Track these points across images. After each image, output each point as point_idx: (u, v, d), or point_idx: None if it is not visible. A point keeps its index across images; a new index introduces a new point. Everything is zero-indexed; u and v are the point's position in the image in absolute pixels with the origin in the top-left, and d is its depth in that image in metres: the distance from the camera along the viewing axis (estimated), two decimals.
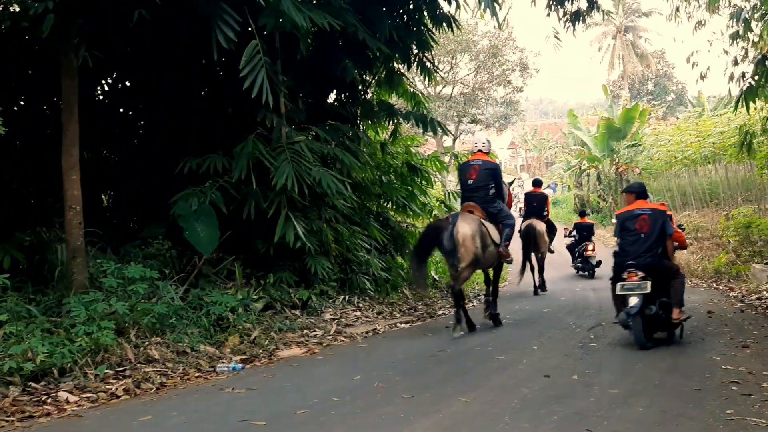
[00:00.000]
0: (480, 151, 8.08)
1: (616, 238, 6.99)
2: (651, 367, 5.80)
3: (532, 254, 12.17)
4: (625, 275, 6.50)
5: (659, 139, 23.86)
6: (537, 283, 12.23)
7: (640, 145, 25.64)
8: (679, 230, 7.73)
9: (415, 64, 11.10)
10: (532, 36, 30.98)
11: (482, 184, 7.73)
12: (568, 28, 11.62)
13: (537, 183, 13.35)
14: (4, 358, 4.94)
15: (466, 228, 7.26)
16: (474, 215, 7.53)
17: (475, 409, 4.45)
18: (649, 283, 6.37)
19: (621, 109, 28.66)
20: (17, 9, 8.07)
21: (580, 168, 29.46)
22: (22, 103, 8.72)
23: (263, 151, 7.96)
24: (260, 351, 6.43)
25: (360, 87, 10.96)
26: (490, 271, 8.37)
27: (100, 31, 7.26)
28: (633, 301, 6.38)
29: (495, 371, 5.67)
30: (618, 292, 6.56)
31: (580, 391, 4.90)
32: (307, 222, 8.44)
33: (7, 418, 4.29)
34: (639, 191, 6.99)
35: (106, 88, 9.81)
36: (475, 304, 10.53)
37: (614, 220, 21.72)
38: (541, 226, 12.09)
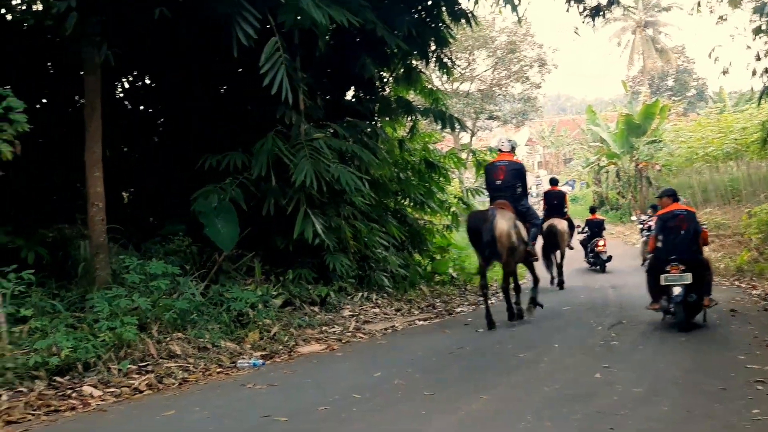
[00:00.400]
0: (501, 151, 8.29)
1: (657, 236, 7.69)
2: (674, 365, 5.74)
3: (554, 252, 12.19)
4: (668, 268, 7.32)
5: (680, 136, 23.55)
6: (557, 281, 12.24)
7: (660, 141, 25.35)
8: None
9: (433, 61, 11.08)
10: (551, 31, 30.79)
11: (510, 183, 7.97)
12: (587, 23, 11.52)
13: (554, 182, 13.53)
14: (29, 353, 5.00)
15: (504, 223, 7.50)
16: (508, 212, 7.69)
17: (497, 407, 4.43)
18: (690, 275, 7.21)
19: (641, 105, 28.35)
20: (40, 8, 8.19)
21: (598, 165, 29.21)
22: (44, 100, 8.83)
23: (282, 148, 7.99)
24: (280, 347, 6.46)
25: (378, 84, 10.95)
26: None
27: (120, 29, 7.32)
28: (677, 290, 7.23)
29: (515, 369, 5.64)
30: (663, 283, 7.36)
31: (603, 390, 4.85)
32: (326, 219, 8.46)
33: (34, 412, 4.36)
34: (674, 194, 7.99)
35: (126, 86, 9.91)
36: (493, 301, 10.46)
37: (633, 218, 21.70)
38: (562, 225, 12.20)
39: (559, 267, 12.46)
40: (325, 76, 9.69)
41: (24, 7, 8.31)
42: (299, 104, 8.35)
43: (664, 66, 47.20)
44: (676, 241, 7.41)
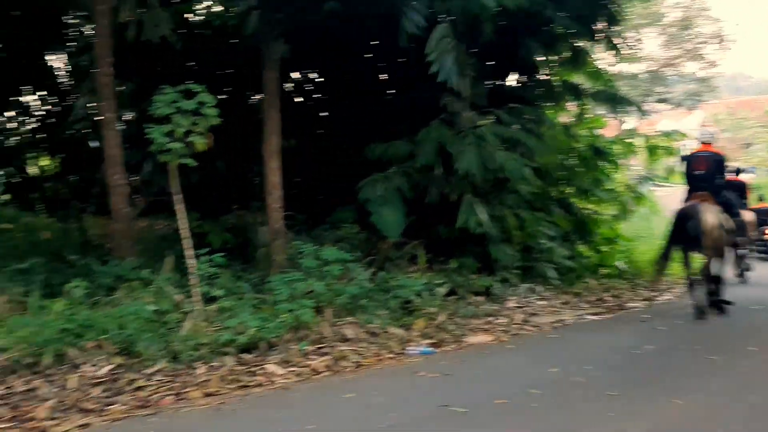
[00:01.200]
0: (703, 142, 8.17)
1: None
2: None
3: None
4: None
5: None
6: (740, 272, 11.45)
7: None
8: None
9: (601, 41, 10.44)
10: (729, 4, 27.97)
11: (711, 174, 7.88)
12: None
13: (738, 171, 12.69)
14: (220, 330, 5.37)
15: (712, 217, 7.45)
16: (712, 204, 7.60)
17: (696, 415, 4.03)
18: None
19: None
20: (220, 9, 8.80)
21: None
22: (223, 96, 9.47)
23: (447, 136, 7.91)
24: (447, 336, 6.39)
25: (541, 67, 10.52)
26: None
27: (294, 25, 7.63)
28: None
29: (709, 373, 5.12)
30: None
31: None
32: (489, 208, 8.27)
33: (227, 386, 4.65)
34: None
35: (295, 79, 10.35)
36: (670, 296, 9.72)
37: None
38: (749, 215, 11.26)
39: (741, 258, 11.51)
40: (487, 62, 9.45)
41: (206, 10, 9.00)
42: (463, 91, 8.22)
43: None
44: None
